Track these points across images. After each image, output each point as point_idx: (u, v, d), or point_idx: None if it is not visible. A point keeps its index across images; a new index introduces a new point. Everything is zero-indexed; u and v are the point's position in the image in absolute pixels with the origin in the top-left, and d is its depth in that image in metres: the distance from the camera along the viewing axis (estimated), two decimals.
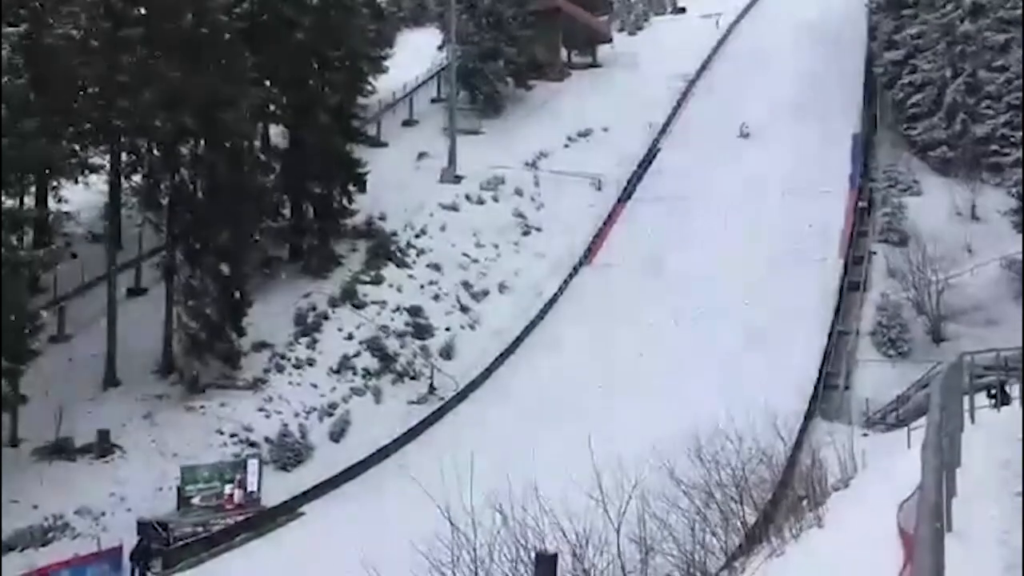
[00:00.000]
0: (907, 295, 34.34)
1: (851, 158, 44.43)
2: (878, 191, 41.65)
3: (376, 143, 48.07)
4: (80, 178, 36.51)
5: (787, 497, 14.47)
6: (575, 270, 41.21)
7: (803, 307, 34.27)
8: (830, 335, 33.31)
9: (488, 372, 35.25)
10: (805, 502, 13.15)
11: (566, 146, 50.28)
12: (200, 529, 26.54)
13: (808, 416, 28.45)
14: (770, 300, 34.75)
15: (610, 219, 44.60)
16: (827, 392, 31.05)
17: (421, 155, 47.97)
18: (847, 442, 15.01)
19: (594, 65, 63.10)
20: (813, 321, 33.78)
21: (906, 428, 19.63)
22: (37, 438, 29.16)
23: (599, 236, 43.47)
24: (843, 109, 48.11)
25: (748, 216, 40.91)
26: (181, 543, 25.87)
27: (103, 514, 27.26)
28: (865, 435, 25.60)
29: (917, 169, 43.01)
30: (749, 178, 43.39)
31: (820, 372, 31.42)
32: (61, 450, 28.93)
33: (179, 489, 27.17)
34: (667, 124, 52.36)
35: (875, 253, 38.02)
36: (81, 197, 37.37)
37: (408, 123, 52.83)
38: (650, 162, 48.83)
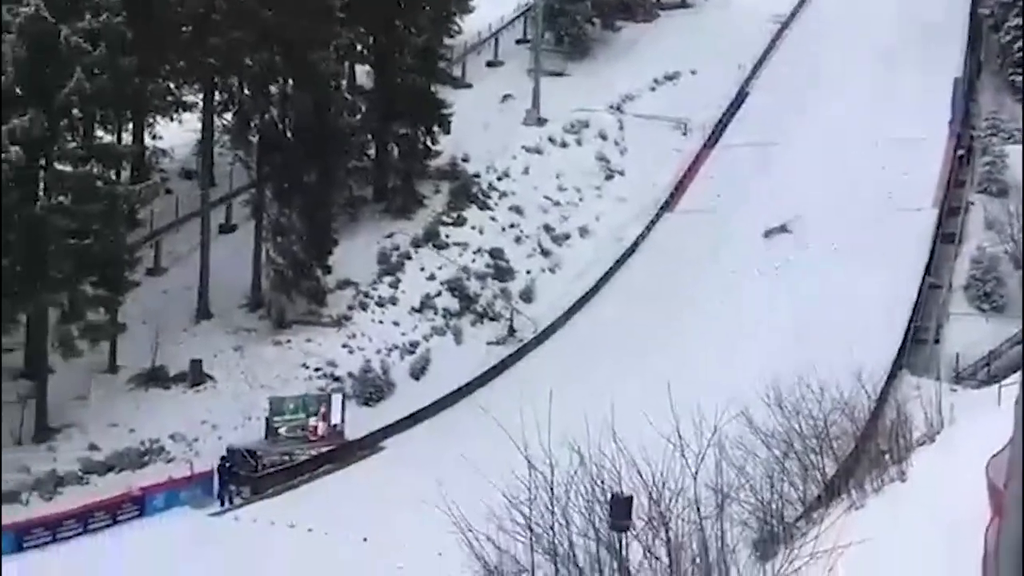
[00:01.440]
0: (1005, 248, 33.01)
1: (951, 104, 42.53)
2: (979, 139, 39.89)
3: (460, 84, 47.90)
4: (174, 116, 37.48)
5: (869, 451, 14.25)
6: (657, 216, 40.72)
7: (894, 258, 33.27)
8: (921, 287, 32.35)
9: (567, 315, 35.36)
10: (888, 456, 12.94)
11: (652, 89, 49.27)
12: (286, 458, 27.56)
13: (894, 370, 27.84)
14: (859, 249, 33.85)
15: (695, 164, 43.79)
16: (915, 346, 30.29)
17: (505, 97, 47.67)
18: (934, 397, 14.63)
19: (684, 5, 61.36)
20: (904, 272, 32.81)
21: (997, 385, 19.07)
22: (134, 366, 30.54)
23: (683, 181, 42.78)
24: (945, 53, 45.96)
25: (840, 163, 39.68)
26: (269, 471, 26.93)
27: (195, 440, 28.54)
28: (954, 391, 24.91)
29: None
30: (842, 123, 42.00)
31: (909, 325, 30.62)
32: (156, 378, 30.29)
33: (267, 419, 28.20)
34: (757, 67, 50.80)
35: (973, 204, 36.55)
36: (175, 135, 38.40)
37: (493, 64, 52.43)
38: (739, 106, 47.56)
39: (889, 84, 44.33)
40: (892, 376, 26.96)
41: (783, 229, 37.01)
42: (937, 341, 30.66)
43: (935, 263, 33.84)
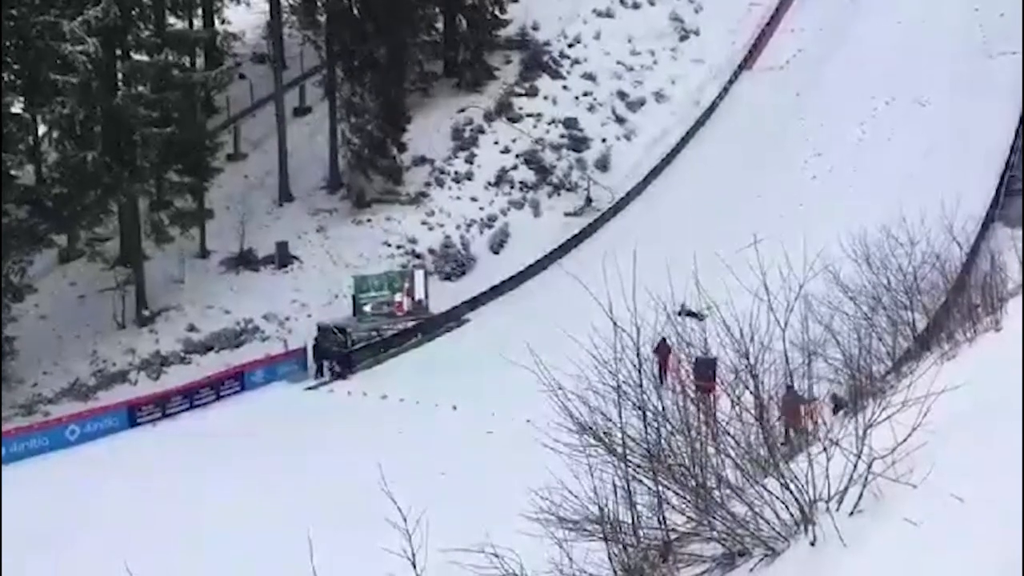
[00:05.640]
0: None
1: None
2: None
3: None
4: None
5: (961, 303, 13.95)
6: (735, 76, 39.40)
7: (986, 104, 31.74)
8: (1016, 136, 30.90)
9: (645, 183, 34.94)
10: (981, 307, 12.65)
11: None
12: (374, 334, 28.41)
13: (987, 221, 26.96)
14: (950, 99, 32.35)
15: (774, 18, 41.92)
16: (1010, 197, 29.18)
17: None
18: None
19: None
20: (996, 120, 31.33)
21: None
22: (223, 250, 31.51)
23: (762, 38, 41.09)
24: None
25: (930, 10, 37.52)
26: (358, 346, 27.84)
27: (287, 319, 29.59)
28: None
29: None
30: None
31: (1002, 175, 29.44)
32: (246, 261, 31.26)
33: (353, 297, 28.96)
34: None
35: None
36: (243, 18, 38.30)
37: None
38: None
39: None
40: (985, 228, 26.15)
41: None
42: None
43: None
